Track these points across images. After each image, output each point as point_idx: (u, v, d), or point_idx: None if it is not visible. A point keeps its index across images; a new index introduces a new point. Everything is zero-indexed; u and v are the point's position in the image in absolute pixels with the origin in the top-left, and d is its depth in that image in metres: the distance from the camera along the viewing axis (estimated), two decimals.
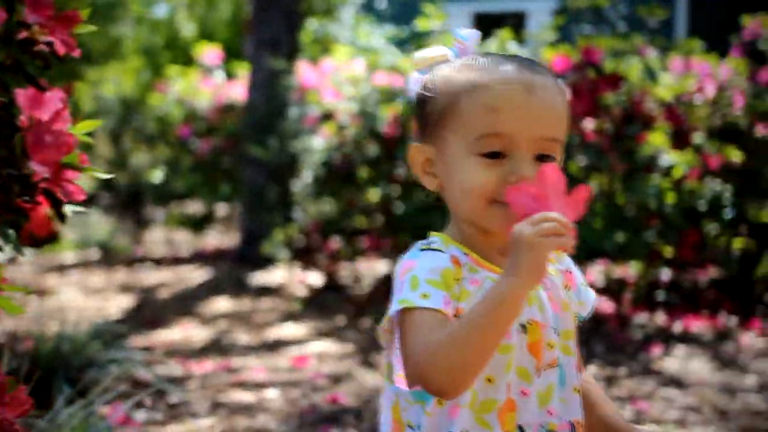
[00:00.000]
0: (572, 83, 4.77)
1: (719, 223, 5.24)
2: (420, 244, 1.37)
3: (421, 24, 5.74)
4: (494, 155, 1.32)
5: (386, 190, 5.56)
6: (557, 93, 1.37)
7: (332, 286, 5.99)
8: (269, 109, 6.59)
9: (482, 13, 10.68)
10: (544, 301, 1.38)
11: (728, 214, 5.17)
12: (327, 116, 5.85)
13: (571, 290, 1.46)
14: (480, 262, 1.36)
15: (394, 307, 1.31)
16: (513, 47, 5.45)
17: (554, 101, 1.35)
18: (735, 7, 6.83)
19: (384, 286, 5.80)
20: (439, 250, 1.35)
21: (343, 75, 5.90)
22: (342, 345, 4.53)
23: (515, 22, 9.37)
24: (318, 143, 5.79)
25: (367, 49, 6.24)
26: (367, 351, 4.40)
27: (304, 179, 5.94)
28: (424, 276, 1.30)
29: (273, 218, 6.37)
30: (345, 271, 6.16)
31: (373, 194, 5.64)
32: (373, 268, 6.29)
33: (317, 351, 4.39)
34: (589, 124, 4.89)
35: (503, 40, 5.45)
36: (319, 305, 5.53)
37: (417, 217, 5.25)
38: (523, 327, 1.35)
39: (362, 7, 8.89)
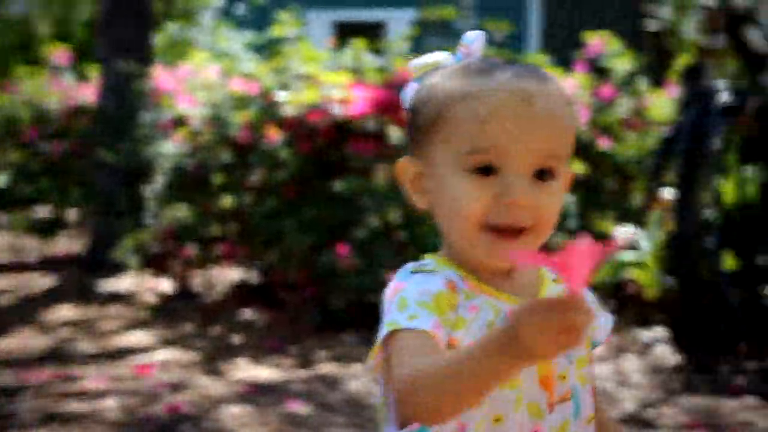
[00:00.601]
0: None
1: (564, 233, 5.41)
2: (411, 265, 1.24)
3: (277, 31, 5.74)
4: (486, 171, 1.17)
5: (240, 197, 5.52)
6: (560, 103, 1.21)
7: (184, 293, 5.89)
8: (121, 113, 6.45)
9: (343, 21, 10.74)
10: None
11: (573, 224, 5.34)
12: (180, 121, 5.77)
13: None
14: (478, 287, 1.21)
15: (381, 332, 1.17)
16: (368, 57, 5.52)
17: (555, 111, 1.19)
18: (584, 23, 7.09)
19: (237, 294, 5.76)
20: (433, 272, 1.21)
21: (198, 80, 5.84)
22: (188, 353, 4.46)
23: (375, 31, 9.47)
24: (171, 148, 5.70)
25: (224, 55, 6.19)
26: (214, 359, 4.35)
27: (156, 185, 5.84)
28: (414, 298, 1.16)
29: (124, 224, 6.23)
30: (198, 279, 6.08)
31: (227, 201, 5.59)
32: (226, 275, 6.23)
33: (162, 359, 4.32)
34: None
35: (357, 49, 5.51)
36: (169, 313, 5.43)
37: (270, 224, 5.23)
38: None
39: (222, 12, 8.81)
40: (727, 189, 4.94)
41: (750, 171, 5.01)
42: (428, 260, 1.24)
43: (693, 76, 5.36)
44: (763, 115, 4.80)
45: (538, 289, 1.25)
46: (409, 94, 1.31)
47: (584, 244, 0.99)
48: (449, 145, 1.19)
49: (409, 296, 1.16)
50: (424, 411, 1.10)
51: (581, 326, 0.98)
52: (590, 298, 1.30)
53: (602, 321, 1.34)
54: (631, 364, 4.44)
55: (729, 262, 4.72)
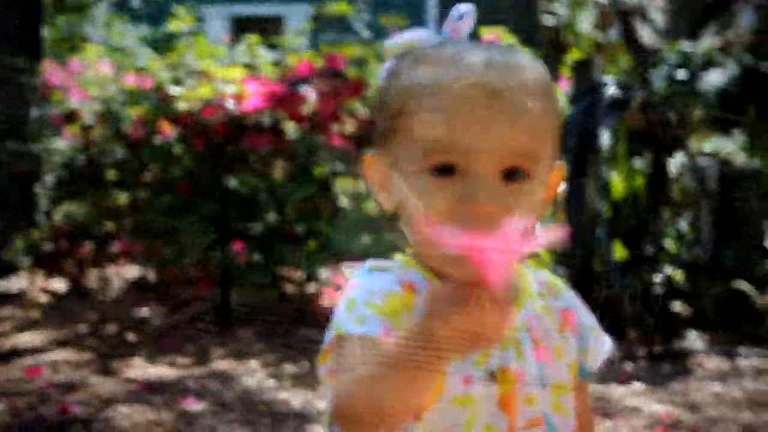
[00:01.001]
0: (317, 89, 4.85)
1: None
2: (369, 263, 1.13)
3: (172, 25, 5.67)
4: (448, 172, 1.03)
5: (135, 193, 5.43)
6: (536, 95, 1.06)
7: (78, 292, 5.77)
8: (8, 109, 6.27)
9: (241, 16, 10.66)
10: (525, 345, 1.11)
11: None
12: (72, 117, 5.64)
13: (569, 334, 1.18)
14: None
15: (328, 334, 1.07)
16: (263, 52, 5.48)
17: (528, 105, 1.05)
18: (481, 18, 7.17)
19: (133, 291, 5.66)
20: (388, 270, 1.09)
21: (90, 75, 5.71)
22: (80, 353, 4.38)
23: (274, 26, 9.43)
24: (62, 144, 5.57)
25: (117, 49, 6.08)
26: (107, 358, 4.28)
27: (47, 182, 5.70)
28: (363, 298, 1.05)
29: (15, 223, 6.06)
30: (92, 277, 5.95)
31: (122, 197, 5.49)
32: (122, 273, 6.12)
33: (54, 359, 4.22)
34: (334, 129, 4.99)
35: (253, 44, 5.47)
36: (63, 312, 5.31)
37: (166, 221, 5.16)
38: (492, 375, 1.08)
39: (116, 6, 8.64)
40: (617, 181, 5.08)
41: (638, 163, 5.16)
42: (395, 259, 1.13)
43: (583, 70, 5.50)
44: (648, 108, 4.95)
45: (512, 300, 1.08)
46: (380, 79, 1.17)
47: (504, 234, 0.89)
48: (410, 141, 1.06)
49: (359, 296, 1.05)
50: (360, 426, 1.00)
51: (492, 323, 0.89)
52: (589, 319, 1.20)
53: (594, 345, 1.19)
54: None
55: (619, 252, 4.85)
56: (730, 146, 5.20)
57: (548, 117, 1.08)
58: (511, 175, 1.03)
